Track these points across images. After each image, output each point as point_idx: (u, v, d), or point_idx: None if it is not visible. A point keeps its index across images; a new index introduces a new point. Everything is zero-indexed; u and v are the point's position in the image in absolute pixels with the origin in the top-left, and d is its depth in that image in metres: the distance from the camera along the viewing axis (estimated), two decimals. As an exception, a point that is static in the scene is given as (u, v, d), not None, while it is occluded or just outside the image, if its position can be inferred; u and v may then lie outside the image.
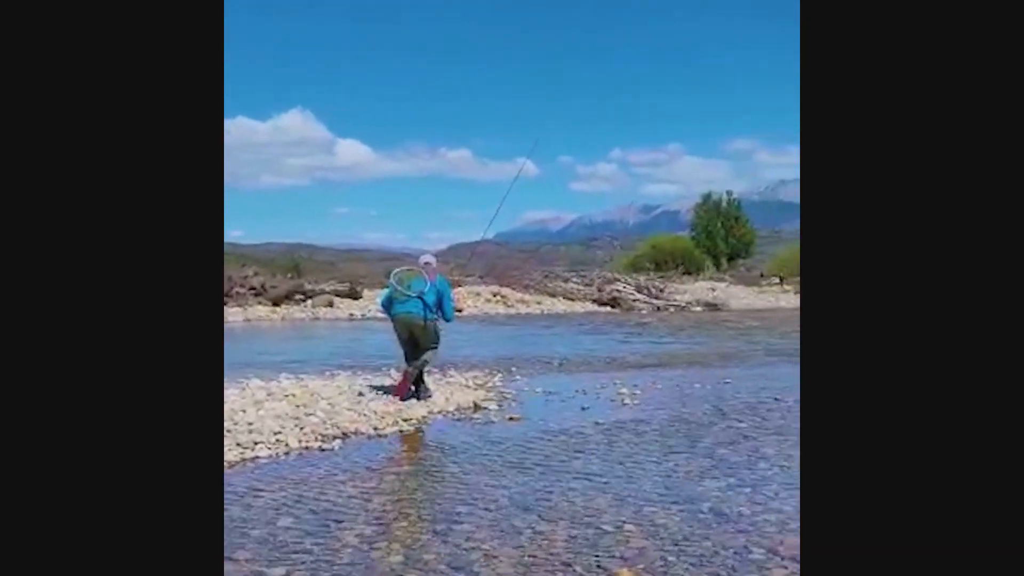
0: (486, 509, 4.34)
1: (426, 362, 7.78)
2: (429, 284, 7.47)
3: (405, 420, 6.65)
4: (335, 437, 6.01)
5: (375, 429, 6.33)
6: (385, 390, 7.91)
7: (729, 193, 44.49)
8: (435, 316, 7.55)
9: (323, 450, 5.68)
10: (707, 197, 43.97)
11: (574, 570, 3.46)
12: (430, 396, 7.56)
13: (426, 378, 7.86)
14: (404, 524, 4.10)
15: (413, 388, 7.62)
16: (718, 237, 41.42)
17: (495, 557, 3.62)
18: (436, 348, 7.73)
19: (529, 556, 3.63)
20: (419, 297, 7.42)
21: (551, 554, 3.65)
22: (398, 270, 7.86)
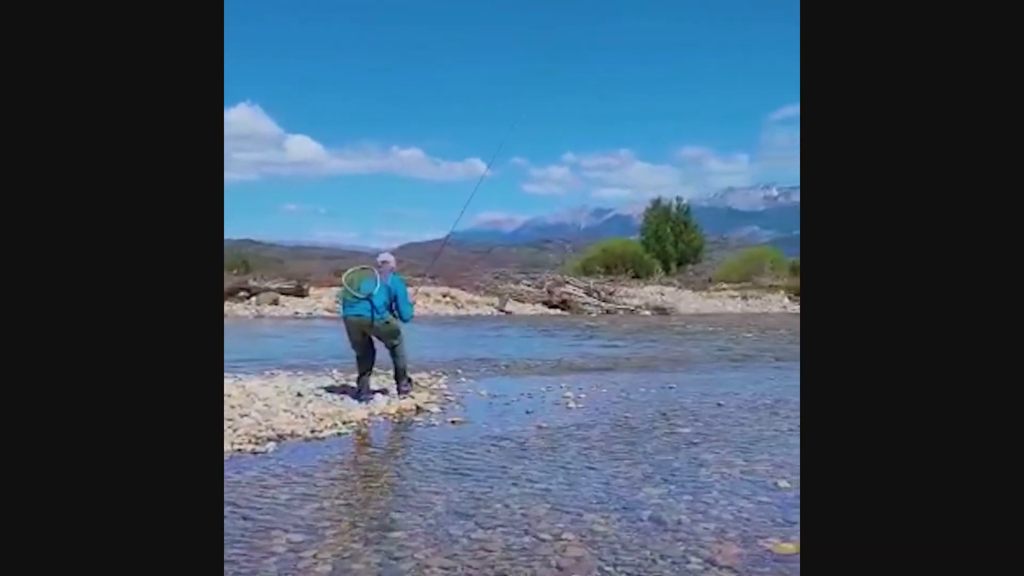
0: (421, 516, 4.22)
1: (404, 368, 7.72)
2: (380, 284, 7.30)
3: (344, 423, 6.49)
4: (269, 439, 5.83)
5: (312, 431, 6.16)
6: (329, 389, 7.77)
7: (679, 199, 44.85)
8: (385, 317, 7.39)
9: (256, 453, 5.50)
10: (657, 202, 44.26)
11: (508, 581, 3.36)
12: (371, 399, 7.41)
13: (371, 380, 7.73)
14: (335, 532, 3.96)
15: (408, 382, 7.76)
16: (667, 242, 41.71)
17: (428, 567, 3.50)
18: (397, 344, 7.60)
19: (463, 566, 3.52)
20: (367, 299, 7.26)
21: (486, 564, 3.55)
22: (350, 270, 7.71)
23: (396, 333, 7.55)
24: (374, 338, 7.56)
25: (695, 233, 43.79)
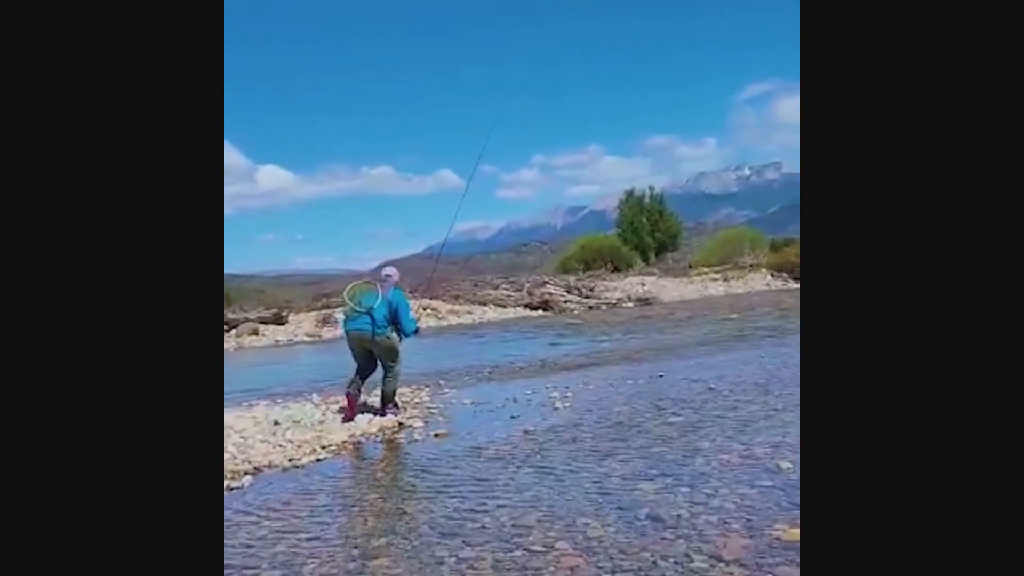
0: (405, 539, 3.96)
1: (393, 392, 7.46)
2: (381, 298, 7.18)
3: (323, 447, 6.21)
4: (246, 473, 5.54)
5: (290, 460, 5.87)
6: (308, 415, 7.47)
7: (651, 188, 44.67)
8: (386, 332, 7.21)
9: (231, 489, 5.21)
10: (630, 194, 44.04)
11: (500, 602, 3.11)
12: (396, 412, 7.29)
13: (363, 396, 7.49)
14: (314, 565, 3.69)
15: (394, 405, 7.47)
16: (644, 232, 41.48)
17: (412, 595, 3.25)
18: (393, 366, 7.38)
19: (451, 590, 3.27)
20: (367, 313, 7.12)
21: (475, 585, 3.30)
22: (352, 285, 7.62)
23: (395, 353, 7.37)
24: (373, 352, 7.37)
25: (671, 220, 43.59)
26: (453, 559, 3.61)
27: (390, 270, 7.68)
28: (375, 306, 7.14)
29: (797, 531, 3.57)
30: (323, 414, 7.44)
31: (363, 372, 7.44)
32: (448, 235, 9.77)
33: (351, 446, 6.38)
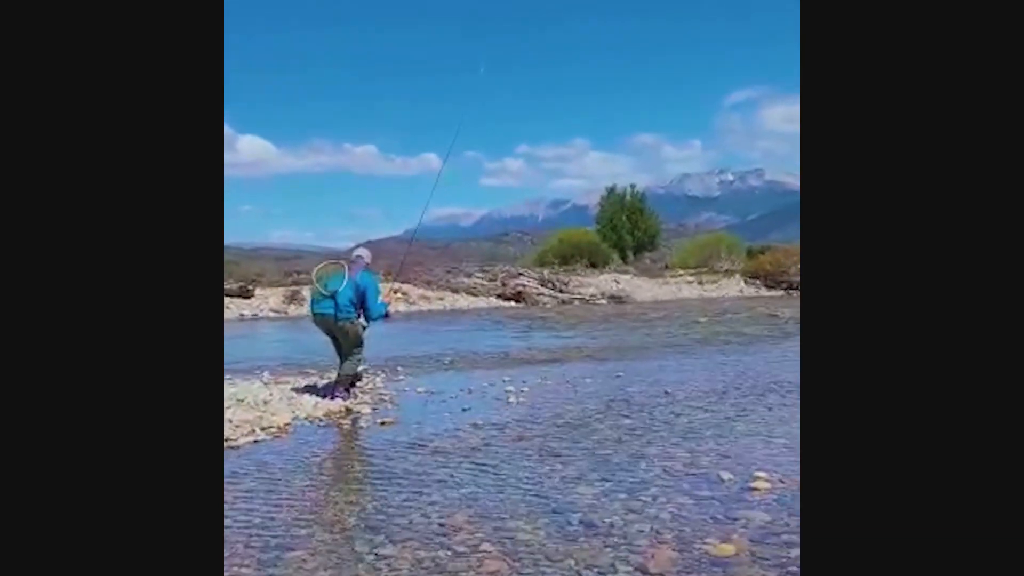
0: (328, 531, 3.81)
1: (348, 377, 7.29)
2: (347, 281, 6.98)
3: (263, 429, 6.03)
4: (178, 451, 5.35)
5: (225, 440, 5.69)
6: (254, 393, 7.28)
7: (632, 186, 44.49)
8: (350, 317, 7.06)
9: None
10: (611, 190, 43.90)
11: (410, 605, 2.97)
12: (346, 397, 7.17)
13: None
14: (226, 555, 3.51)
15: (344, 390, 7.27)
16: (623, 230, 41.36)
17: (321, 592, 3.09)
18: (357, 354, 7.23)
19: (363, 589, 3.12)
20: (331, 296, 6.95)
21: (389, 585, 3.15)
22: (321, 265, 7.42)
23: (358, 342, 7.22)
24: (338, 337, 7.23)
25: (650, 220, 43.50)
26: (372, 556, 3.47)
27: (361, 251, 7.52)
28: (339, 290, 6.96)
29: (727, 546, 3.46)
30: (270, 394, 7.23)
31: (341, 355, 7.31)
32: (423, 219, 9.65)
33: (293, 429, 6.20)
